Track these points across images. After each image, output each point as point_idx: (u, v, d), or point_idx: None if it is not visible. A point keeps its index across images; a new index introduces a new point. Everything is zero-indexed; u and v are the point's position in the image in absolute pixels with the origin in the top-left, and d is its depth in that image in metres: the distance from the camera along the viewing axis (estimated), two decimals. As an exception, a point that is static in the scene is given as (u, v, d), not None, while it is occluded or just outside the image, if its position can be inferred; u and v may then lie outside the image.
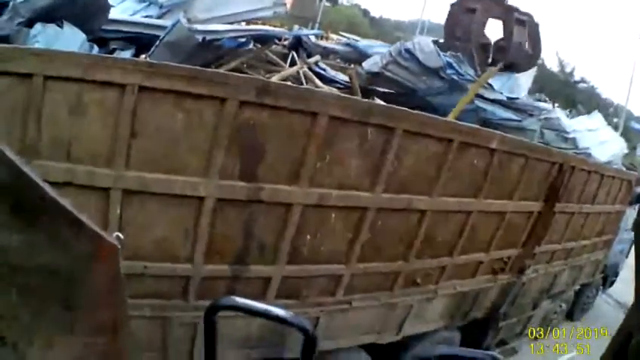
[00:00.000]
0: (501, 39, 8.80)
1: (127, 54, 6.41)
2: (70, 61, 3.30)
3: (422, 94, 8.29)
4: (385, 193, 4.70)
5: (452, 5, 9.50)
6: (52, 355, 1.83)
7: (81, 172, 3.36)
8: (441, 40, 9.93)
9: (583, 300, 11.56)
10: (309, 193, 4.24)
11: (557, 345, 10.22)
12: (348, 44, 10.44)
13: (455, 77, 8.42)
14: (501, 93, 8.77)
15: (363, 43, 10.67)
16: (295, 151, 4.07)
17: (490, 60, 8.31)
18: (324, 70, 8.45)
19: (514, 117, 8.58)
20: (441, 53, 8.64)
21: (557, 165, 6.67)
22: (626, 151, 11.50)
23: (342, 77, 8.53)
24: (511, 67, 8.88)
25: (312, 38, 9.95)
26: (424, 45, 8.60)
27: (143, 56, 6.29)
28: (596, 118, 11.58)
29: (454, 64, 8.64)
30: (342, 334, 5.29)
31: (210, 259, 4.04)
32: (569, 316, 11.44)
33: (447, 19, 9.44)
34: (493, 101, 8.57)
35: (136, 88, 3.32)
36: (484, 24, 9.02)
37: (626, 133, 30.24)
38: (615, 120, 32.52)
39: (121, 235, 2.63)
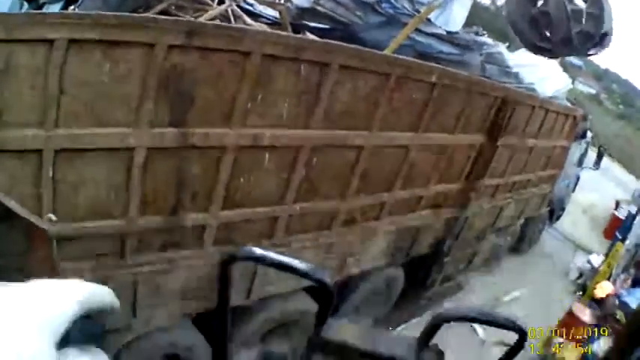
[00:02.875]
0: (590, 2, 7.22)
1: (55, 7, 6.07)
2: None
3: (356, 30, 7.96)
4: (320, 130, 4.55)
5: None
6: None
7: (12, 138, 3.12)
8: None
9: (529, 234, 11.84)
10: (242, 134, 4.07)
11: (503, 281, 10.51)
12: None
13: (391, 11, 8.11)
14: (440, 27, 8.51)
15: None
16: (227, 93, 3.87)
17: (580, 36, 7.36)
18: (251, 5, 8.08)
19: (454, 51, 8.33)
20: None
21: (500, 99, 6.60)
22: (570, 86, 11.55)
23: (270, 12, 8.19)
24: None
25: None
26: None
27: (72, 7, 5.94)
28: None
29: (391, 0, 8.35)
30: (282, 277, 5.20)
31: (145, 211, 3.88)
32: (516, 250, 11.72)
33: (506, 5, 7.96)
34: (432, 35, 8.23)
35: (65, 43, 3.06)
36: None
37: (564, 68, 30.58)
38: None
39: (53, 216, 2.48)
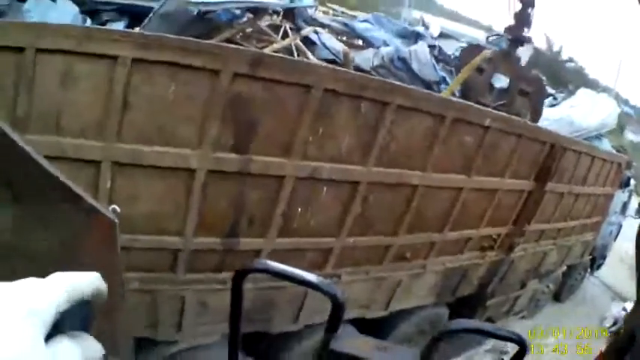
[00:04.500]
0: (502, 104, 8.32)
1: (119, 25, 6.39)
2: (62, 33, 3.23)
3: None
4: (377, 167, 4.70)
5: (462, 51, 9.18)
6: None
7: (71, 146, 3.33)
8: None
9: (570, 281, 11.66)
10: (301, 165, 4.23)
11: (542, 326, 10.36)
12: (345, 24, 10.30)
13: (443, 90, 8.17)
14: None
15: (360, 25, 10.48)
16: (288, 124, 4.05)
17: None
18: (317, 33, 8.29)
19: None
20: (437, 66, 8.50)
21: (549, 145, 6.68)
22: (618, 109, 11.38)
23: (336, 45, 8.39)
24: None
25: (310, 11, 9.79)
26: (421, 54, 8.35)
27: (137, 28, 6.24)
28: (582, 93, 11.51)
29: (448, 79, 8.49)
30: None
31: (200, 231, 4.03)
32: (557, 297, 11.56)
33: (456, 65, 9.02)
34: None
35: (129, 60, 3.28)
36: (488, 83, 8.57)
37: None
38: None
39: (117, 208, 2.64)
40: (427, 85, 8.15)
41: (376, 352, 1.57)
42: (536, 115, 8.69)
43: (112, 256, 2.17)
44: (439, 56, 10.04)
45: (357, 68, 8.33)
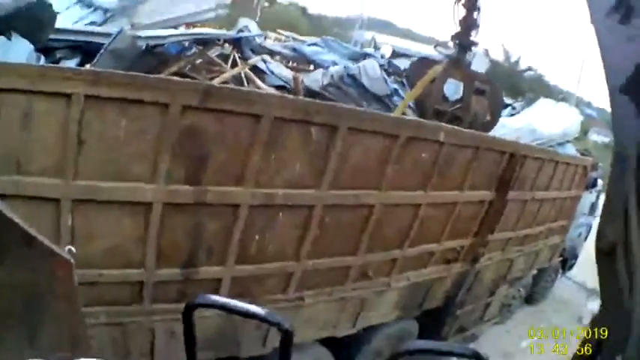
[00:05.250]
0: (458, 107, 8.41)
1: (72, 63, 6.39)
2: (17, 72, 3.24)
3: None
4: (332, 190, 4.74)
5: (412, 64, 9.11)
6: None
7: (30, 184, 3.33)
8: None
9: (542, 284, 11.82)
10: (255, 193, 4.26)
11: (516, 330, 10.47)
12: (294, 49, 10.35)
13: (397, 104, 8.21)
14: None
15: (309, 49, 10.54)
16: (240, 153, 4.07)
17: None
18: (265, 62, 8.32)
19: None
20: (388, 79, 8.51)
21: (508, 154, 6.76)
22: (581, 117, 11.56)
23: (285, 73, 8.41)
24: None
25: (259, 39, 9.83)
26: (370, 70, 8.35)
27: (88, 65, 6.25)
28: (542, 102, 11.69)
29: (400, 91, 8.51)
30: (297, 330, 5.29)
31: (161, 263, 4.05)
32: (529, 300, 11.69)
33: (407, 77, 8.96)
34: None
35: (82, 97, 3.28)
36: (442, 91, 8.52)
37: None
38: (564, 105, 32.91)
39: (73, 248, 2.64)
40: (379, 99, 8.18)
41: None
42: (496, 113, 8.82)
43: (70, 298, 2.17)
44: (389, 69, 10.08)
45: (307, 89, 8.37)
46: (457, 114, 8.31)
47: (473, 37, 8.28)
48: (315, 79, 8.38)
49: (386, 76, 8.46)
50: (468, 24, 8.14)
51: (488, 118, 8.70)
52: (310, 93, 8.38)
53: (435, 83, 8.18)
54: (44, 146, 3.34)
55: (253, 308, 2.14)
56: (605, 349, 1.91)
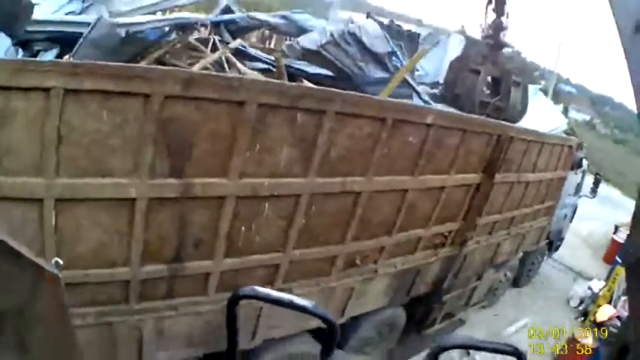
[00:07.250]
0: (499, 98, 9.23)
1: (50, 55, 6.13)
2: None
3: (358, 82, 7.93)
4: (318, 178, 4.60)
5: (452, 62, 9.85)
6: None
7: (12, 185, 3.17)
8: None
9: (528, 267, 11.80)
10: (241, 184, 4.12)
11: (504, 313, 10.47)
12: (284, 17, 10.10)
13: (398, 65, 8.13)
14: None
15: (299, 16, 10.34)
16: (224, 143, 3.91)
17: (486, 116, 8.36)
18: (244, 47, 8.12)
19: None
20: (390, 39, 8.41)
21: (495, 136, 6.65)
22: (565, 127, 11.63)
23: (266, 56, 8.25)
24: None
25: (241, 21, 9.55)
26: (371, 29, 8.27)
27: (67, 57, 6.01)
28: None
29: (399, 55, 8.45)
30: (286, 322, 5.25)
31: (147, 260, 3.93)
32: (515, 283, 11.68)
33: (448, 74, 9.80)
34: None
35: (61, 91, 3.11)
36: (486, 84, 9.52)
37: (556, 96, 30.57)
38: (542, 82, 32.96)
39: (60, 260, 2.51)
40: (378, 59, 8.04)
41: None
42: (524, 100, 9.78)
43: (60, 311, 2.06)
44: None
45: (305, 49, 8.18)
46: (498, 104, 9.10)
47: (502, 38, 9.34)
48: (311, 39, 8.15)
49: (387, 35, 8.30)
50: (498, 26, 9.17)
51: (519, 108, 9.56)
52: (308, 53, 8.21)
53: (480, 79, 9.11)
54: (23, 144, 3.17)
55: (298, 300, 2.15)
56: (630, 357, 1.87)
